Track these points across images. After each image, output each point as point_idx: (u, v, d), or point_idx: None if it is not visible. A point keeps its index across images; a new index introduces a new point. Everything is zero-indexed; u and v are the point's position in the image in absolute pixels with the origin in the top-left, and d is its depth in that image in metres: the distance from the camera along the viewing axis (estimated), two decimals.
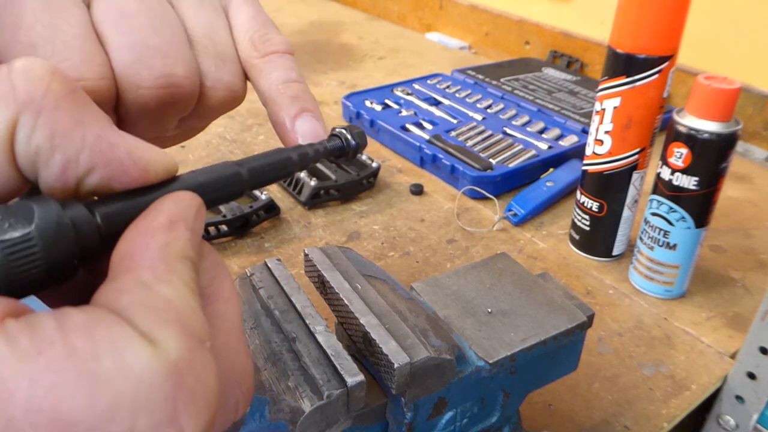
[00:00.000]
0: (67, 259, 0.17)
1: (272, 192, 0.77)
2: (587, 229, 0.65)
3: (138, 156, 0.19)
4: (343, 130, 0.27)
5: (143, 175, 0.19)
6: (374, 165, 0.77)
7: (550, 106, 0.95)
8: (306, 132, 0.28)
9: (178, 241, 0.18)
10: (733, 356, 0.53)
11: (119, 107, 0.25)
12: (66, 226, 0.17)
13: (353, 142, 0.27)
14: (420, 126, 0.89)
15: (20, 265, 0.16)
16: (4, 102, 0.17)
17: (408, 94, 0.99)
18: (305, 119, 0.28)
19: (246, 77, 0.30)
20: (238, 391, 0.19)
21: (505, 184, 0.76)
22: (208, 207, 0.21)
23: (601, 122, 0.59)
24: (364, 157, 0.79)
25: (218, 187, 0.21)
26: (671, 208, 0.56)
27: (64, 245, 0.17)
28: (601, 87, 0.59)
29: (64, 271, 0.17)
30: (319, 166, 0.76)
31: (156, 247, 0.17)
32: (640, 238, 0.60)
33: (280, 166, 0.24)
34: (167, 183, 0.20)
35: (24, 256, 0.16)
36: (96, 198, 0.19)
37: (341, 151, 0.27)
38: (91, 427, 0.14)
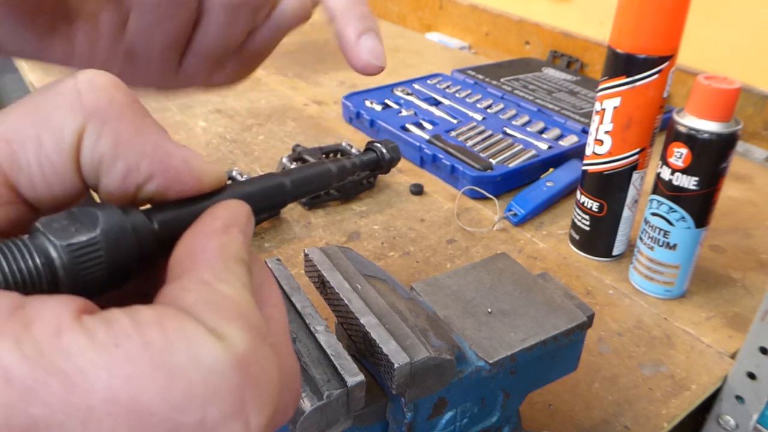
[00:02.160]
0: (128, 263, 0.18)
1: None
2: (587, 229, 0.65)
3: (193, 165, 0.20)
4: (378, 144, 0.29)
5: (197, 183, 0.20)
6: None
7: (550, 106, 0.95)
8: (370, 48, 0.29)
9: (234, 244, 0.19)
10: (733, 356, 0.53)
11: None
12: (128, 232, 0.18)
13: (387, 156, 0.29)
14: (420, 126, 0.89)
15: (86, 267, 0.17)
16: (72, 111, 0.18)
17: (408, 94, 0.99)
18: (370, 37, 0.30)
19: None
20: (289, 394, 0.19)
21: (505, 184, 0.76)
22: (255, 215, 0.22)
23: (601, 122, 0.59)
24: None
25: (264, 197, 0.23)
26: (671, 208, 0.56)
27: (126, 249, 0.18)
28: (601, 87, 0.59)
29: (124, 274, 0.18)
30: None
31: (214, 249, 0.18)
32: (640, 238, 0.60)
33: (320, 178, 0.25)
34: (217, 193, 0.21)
35: (90, 259, 0.17)
36: (150, 206, 0.20)
37: (376, 164, 0.29)
38: (165, 417, 0.14)
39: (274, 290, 0.20)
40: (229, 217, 0.19)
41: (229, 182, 0.22)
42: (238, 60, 0.32)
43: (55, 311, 0.15)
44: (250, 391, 0.16)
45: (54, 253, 0.16)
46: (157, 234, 0.19)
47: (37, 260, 0.16)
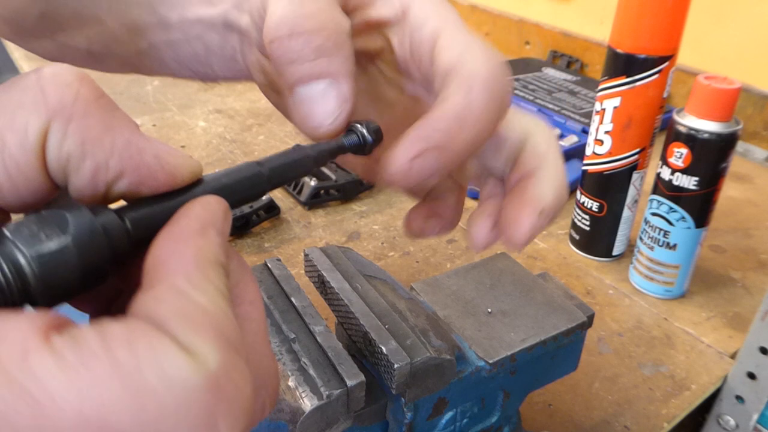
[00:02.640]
0: (101, 266, 0.17)
1: (272, 192, 0.76)
2: (587, 229, 0.65)
3: (165, 160, 0.19)
4: (359, 125, 0.27)
5: (170, 179, 0.19)
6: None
7: (550, 106, 0.95)
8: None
9: (211, 247, 0.18)
10: (733, 356, 0.53)
11: None
12: (99, 235, 0.17)
13: (369, 138, 0.27)
14: None
15: (57, 274, 0.16)
16: (35, 108, 0.17)
17: None
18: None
19: None
20: (265, 392, 0.19)
21: None
22: (232, 208, 0.21)
23: (601, 122, 0.59)
24: None
25: (241, 188, 0.22)
26: (671, 208, 0.56)
27: (98, 253, 0.17)
28: (601, 87, 0.59)
29: (97, 277, 0.18)
30: None
31: (189, 254, 0.18)
32: (640, 238, 0.60)
33: (299, 164, 0.24)
34: (192, 186, 0.20)
35: (61, 266, 0.16)
36: (124, 203, 0.19)
37: (358, 147, 0.27)
38: None
39: (251, 286, 0.20)
40: (205, 217, 0.19)
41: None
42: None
43: (21, 331, 0.14)
44: (223, 410, 0.15)
45: (24, 262, 0.16)
46: (130, 233, 0.18)
47: (6, 270, 0.16)
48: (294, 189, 0.74)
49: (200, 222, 0.19)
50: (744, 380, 0.49)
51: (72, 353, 0.14)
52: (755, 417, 0.49)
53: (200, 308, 0.16)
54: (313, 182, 0.72)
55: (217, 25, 0.32)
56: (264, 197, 0.70)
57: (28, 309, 0.16)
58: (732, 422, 0.51)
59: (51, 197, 0.18)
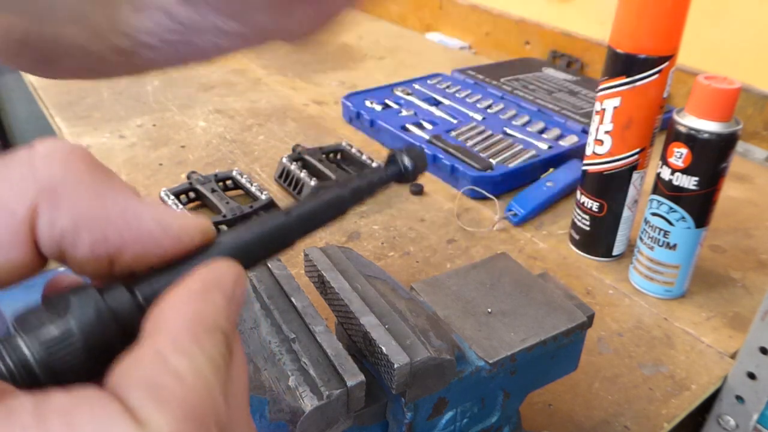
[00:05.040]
0: (110, 345, 0.17)
1: (272, 192, 0.77)
2: (587, 229, 0.65)
3: (168, 224, 0.18)
4: (400, 153, 0.25)
5: (177, 243, 0.18)
6: (374, 165, 0.77)
7: (550, 106, 0.95)
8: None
9: (211, 311, 0.17)
10: (733, 356, 0.53)
11: None
12: (104, 316, 0.17)
13: (410, 166, 0.24)
14: (420, 126, 0.89)
15: (61, 359, 0.16)
16: (23, 186, 0.17)
17: (408, 94, 0.99)
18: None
19: None
20: None
21: (505, 184, 0.76)
22: (256, 264, 0.20)
23: (601, 122, 0.59)
24: (363, 157, 0.79)
25: (263, 244, 0.20)
26: (671, 208, 0.56)
27: (104, 333, 0.17)
28: (601, 87, 0.59)
29: (108, 357, 0.17)
30: (319, 166, 0.76)
31: (183, 317, 0.17)
32: (640, 238, 0.60)
33: (331, 207, 0.22)
34: (206, 248, 0.19)
35: (64, 351, 0.16)
36: (135, 273, 0.18)
37: (399, 176, 0.25)
38: None
39: (238, 344, 0.19)
40: (210, 279, 0.18)
41: (224, 228, 0.20)
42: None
43: None
44: None
45: (27, 352, 0.16)
46: (143, 308, 0.18)
47: (9, 362, 0.16)
48: (294, 189, 0.74)
49: (203, 284, 0.18)
50: (744, 380, 0.49)
51: (2, 424, 0.14)
52: (755, 417, 0.49)
53: (173, 374, 0.15)
54: (313, 182, 0.72)
55: None
56: (263, 197, 0.70)
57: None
58: (732, 422, 0.51)
59: (40, 270, 0.18)
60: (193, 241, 0.18)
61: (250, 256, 0.20)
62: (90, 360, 0.17)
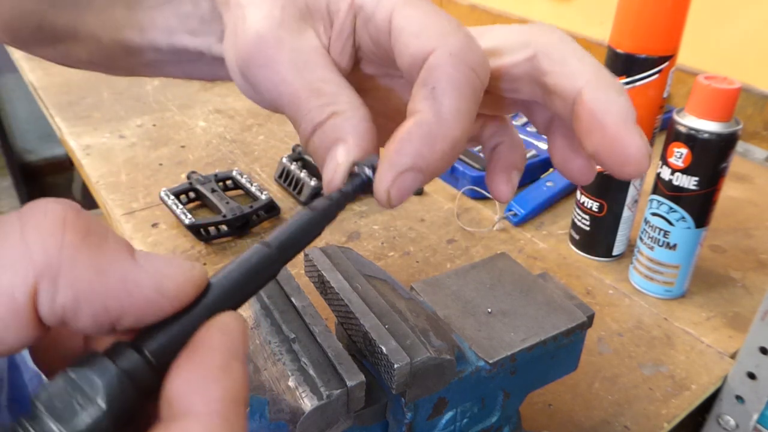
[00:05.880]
0: (131, 413, 0.18)
1: (272, 192, 0.77)
2: (587, 229, 0.65)
3: (166, 289, 0.18)
4: (362, 165, 0.25)
5: (174, 303, 0.18)
6: None
7: None
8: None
9: (236, 385, 0.18)
10: (733, 356, 0.53)
11: None
12: (128, 388, 0.17)
13: (372, 176, 0.25)
14: None
15: None
16: (20, 267, 0.17)
17: None
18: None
19: None
20: None
21: None
22: (247, 298, 0.21)
23: None
24: None
25: (252, 278, 0.21)
26: (671, 208, 0.56)
27: (129, 404, 0.17)
28: None
29: (127, 422, 0.18)
30: None
31: (214, 397, 0.17)
32: (640, 238, 0.60)
33: (307, 230, 0.23)
34: (202, 296, 0.20)
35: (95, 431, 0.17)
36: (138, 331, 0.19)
37: (365, 187, 0.25)
38: None
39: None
40: (227, 347, 0.18)
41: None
42: None
43: None
44: None
45: None
46: (154, 366, 0.18)
47: None
48: (294, 189, 0.74)
49: (223, 355, 0.18)
50: (744, 380, 0.49)
51: None
52: (755, 417, 0.49)
53: None
54: (313, 182, 0.72)
55: (205, 54, 0.32)
56: (263, 197, 0.70)
57: None
58: (732, 422, 0.51)
59: (40, 339, 0.18)
60: (189, 295, 0.19)
61: (243, 294, 0.20)
62: (117, 429, 0.17)
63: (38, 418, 0.17)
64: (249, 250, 0.21)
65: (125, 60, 0.34)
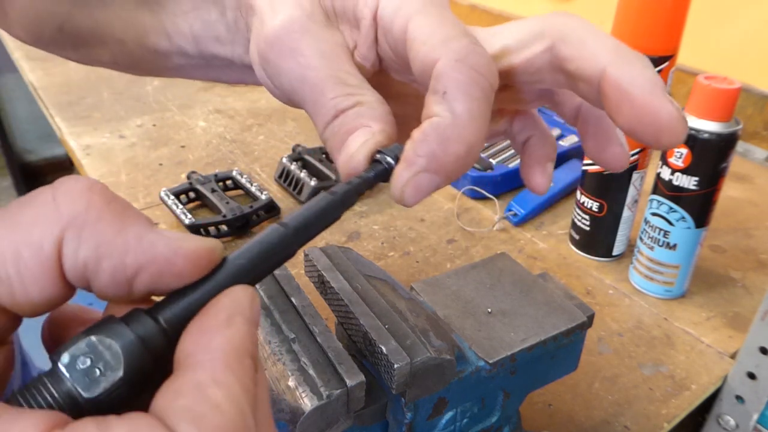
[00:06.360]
0: (145, 374, 0.18)
1: (272, 192, 0.77)
2: (587, 229, 0.65)
3: (179, 246, 0.19)
4: (385, 154, 0.26)
5: (189, 264, 0.19)
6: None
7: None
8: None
9: (238, 336, 0.18)
10: (733, 356, 0.53)
11: None
12: (141, 350, 0.18)
13: (395, 164, 0.25)
14: None
15: (109, 400, 0.18)
16: (49, 222, 0.18)
17: None
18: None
19: None
20: None
21: (505, 184, 0.76)
22: (263, 277, 0.21)
23: None
24: None
25: (267, 259, 0.21)
26: (671, 208, 0.56)
27: (142, 366, 0.18)
28: None
29: (143, 387, 0.18)
30: (319, 166, 0.76)
31: (216, 347, 0.18)
32: (640, 238, 0.60)
33: (325, 214, 0.23)
34: (217, 269, 0.20)
35: (114, 394, 0.18)
36: (154, 299, 0.20)
37: (386, 175, 0.25)
38: None
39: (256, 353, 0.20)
40: (232, 307, 0.19)
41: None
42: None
43: (26, 429, 0.15)
44: None
45: (81, 400, 0.17)
46: (168, 333, 0.19)
47: (60, 399, 0.17)
48: (294, 189, 0.74)
49: (227, 312, 0.19)
50: (744, 380, 0.49)
51: None
52: (755, 417, 0.49)
53: (213, 405, 0.17)
54: (313, 182, 0.72)
55: (235, 62, 0.33)
56: (263, 197, 0.70)
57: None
58: (732, 422, 0.51)
59: (67, 299, 0.19)
60: (203, 260, 0.20)
61: (257, 272, 0.21)
62: (131, 392, 0.18)
63: (58, 378, 0.17)
64: (266, 229, 0.21)
65: (152, 63, 0.35)
